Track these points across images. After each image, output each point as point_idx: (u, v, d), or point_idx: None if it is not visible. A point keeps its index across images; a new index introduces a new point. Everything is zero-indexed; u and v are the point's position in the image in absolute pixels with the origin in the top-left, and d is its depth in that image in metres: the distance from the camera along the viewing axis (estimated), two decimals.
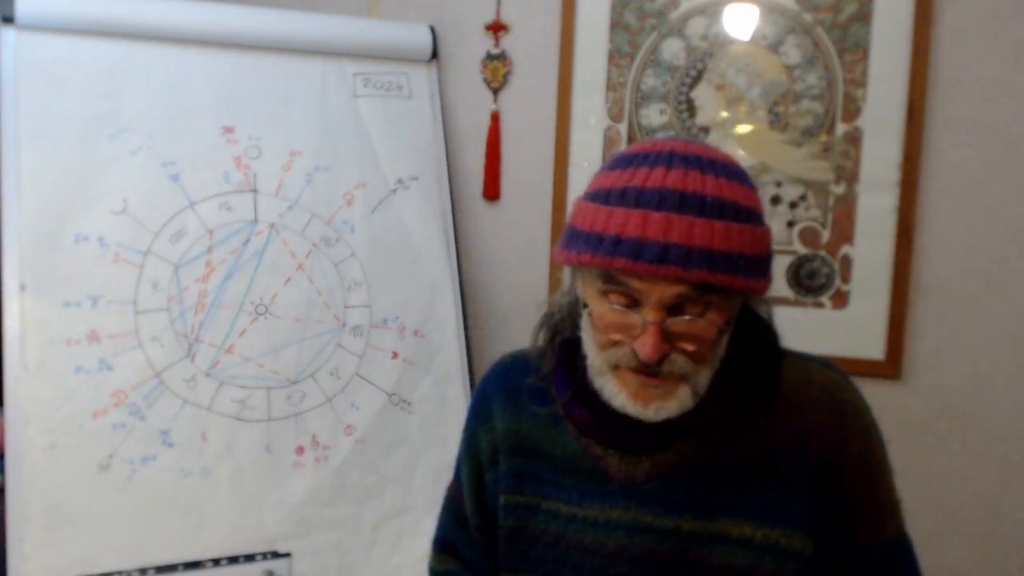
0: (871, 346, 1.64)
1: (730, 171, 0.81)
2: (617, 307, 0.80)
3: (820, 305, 1.68)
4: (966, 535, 1.61)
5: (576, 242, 0.81)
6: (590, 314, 0.84)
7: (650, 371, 0.80)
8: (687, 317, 0.79)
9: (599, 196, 0.81)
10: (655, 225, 0.75)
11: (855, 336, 1.65)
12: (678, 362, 0.80)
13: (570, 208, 0.87)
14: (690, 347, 0.80)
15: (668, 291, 0.77)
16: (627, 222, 0.76)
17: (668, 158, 0.79)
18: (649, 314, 0.78)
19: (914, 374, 1.63)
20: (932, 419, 1.62)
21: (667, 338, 0.78)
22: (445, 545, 1.07)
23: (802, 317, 1.69)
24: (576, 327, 0.91)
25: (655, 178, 0.78)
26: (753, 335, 0.88)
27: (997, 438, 1.59)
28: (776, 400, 0.87)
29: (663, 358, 0.79)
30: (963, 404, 1.60)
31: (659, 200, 0.76)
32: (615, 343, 0.82)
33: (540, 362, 0.95)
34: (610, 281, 0.80)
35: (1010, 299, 1.57)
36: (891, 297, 1.63)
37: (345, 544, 1.64)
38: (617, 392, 0.83)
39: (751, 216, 0.79)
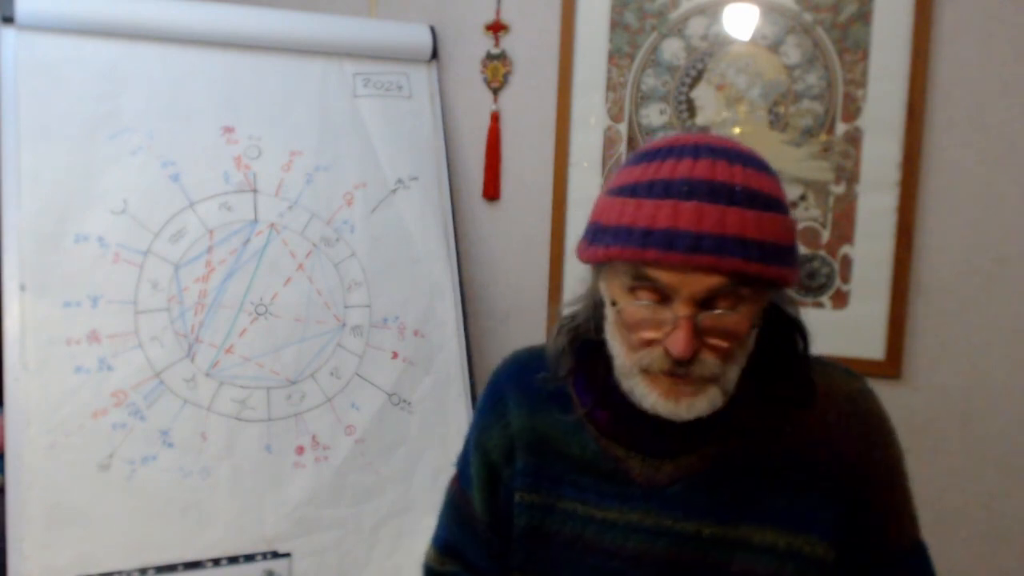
0: (871, 346, 1.64)
1: (755, 161, 0.79)
2: (647, 303, 0.78)
3: (820, 305, 1.68)
4: (966, 535, 1.61)
5: (603, 237, 0.79)
6: (619, 313, 0.81)
7: (680, 373, 0.78)
8: (719, 311, 0.76)
9: (625, 190, 0.79)
10: (687, 214, 0.73)
11: (855, 336, 1.65)
12: (708, 362, 0.78)
13: (593, 206, 0.85)
14: (722, 343, 0.77)
15: (701, 283, 0.75)
16: (657, 213, 0.75)
17: (694, 150, 0.78)
18: (681, 308, 0.76)
19: (914, 374, 1.63)
20: (932, 419, 1.62)
21: (698, 334, 0.76)
22: (447, 546, 1.04)
23: (802, 317, 1.69)
24: (599, 329, 0.89)
25: (683, 168, 0.76)
26: (780, 333, 0.86)
27: (997, 438, 1.59)
28: (808, 406, 0.85)
29: (694, 356, 0.77)
30: (963, 404, 1.60)
31: (689, 190, 0.75)
32: (646, 344, 0.79)
33: (556, 364, 0.92)
34: (640, 275, 0.77)
35: (1010, 299, 1.57)
36: (891, 297, 1.62)
37: (345, 544, 1.64)
38: (648, 392, 0.81)
39: (779, 205, 0.78)
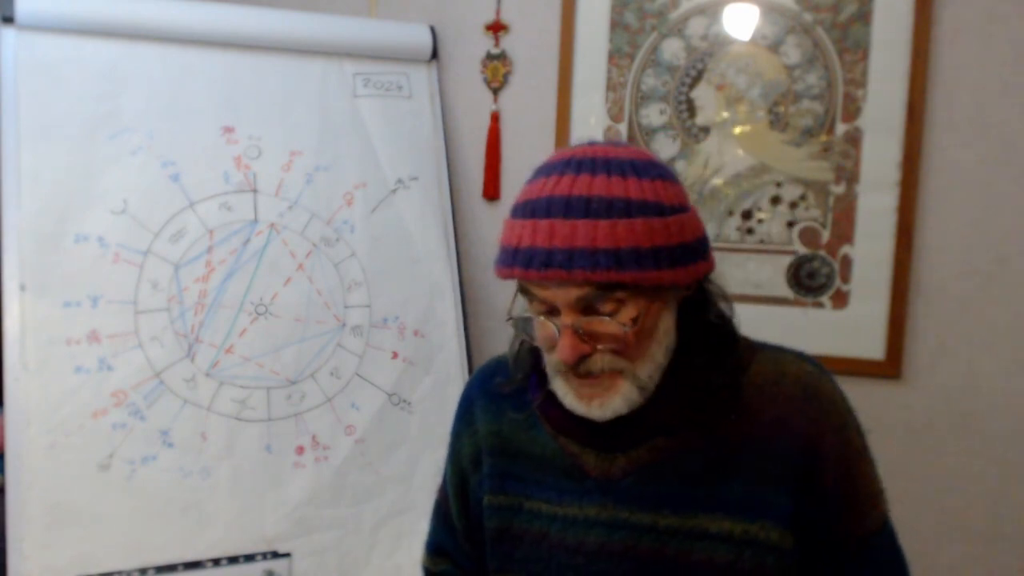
0: (871, 346, 1.65)
1: (626, 167, 0.81)
2: (541, 317, 0.83)
3: (820, 305, 1.68)
4: (966, 535, 1.61)
5: (498, 257, 0.85)
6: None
7: (579, 372, 0.83)
8: (598, 317, 0.80)
9: (512, 211, 0.85)
10: (542, 233, 0.78)
11: (855, 336, 1.65)
12: (604, 358, 0.82)
13: None
14: (608, 346, 0.81)
15: (567, 294, 0.79)
16: (522, 233, 0.80)
17: (563, 166, 0.82)
18: (563, 317, 0.81)
19: (914, 374, 1.63)
20: (932, 419, 1.63)
21: (585, 339, 0.81)
22: (437, 549, 1.09)
23: (802, 317, 1.69)
24: None
25: (547, 187, 0.81)
26: (705, 326, 0.88)
27: (997, 438, 1.59)
28: (739, 393, 0.86)
29: (583, 359, 0.81)
30: (963, 404, 1.60)
31: (547, 208, 0.79)
32: (552, 349, 0.84)
33: (514, 367, 0.97)
34: (525, 291, 0.84)
35: (1009, 299, 1.57)
36: (891, 297, 1.63)
37: (345, 544, 1.64)
38: (565, 394, 0.86)
39: (646, 209, 0.79)
